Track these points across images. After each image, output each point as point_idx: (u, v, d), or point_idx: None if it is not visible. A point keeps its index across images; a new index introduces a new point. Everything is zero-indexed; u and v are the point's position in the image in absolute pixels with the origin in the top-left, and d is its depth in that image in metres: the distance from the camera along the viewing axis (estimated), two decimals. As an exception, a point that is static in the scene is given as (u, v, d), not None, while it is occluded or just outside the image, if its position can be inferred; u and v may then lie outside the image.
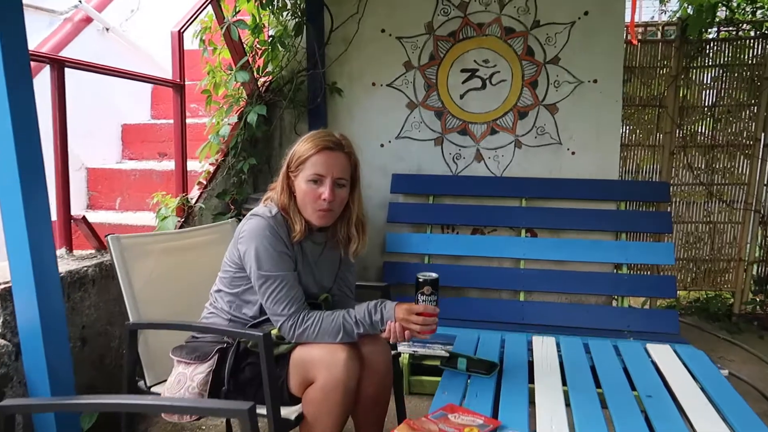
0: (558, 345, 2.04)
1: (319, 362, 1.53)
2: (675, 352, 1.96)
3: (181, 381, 1.60)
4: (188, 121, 3.71)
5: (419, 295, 1.55)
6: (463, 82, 3.34)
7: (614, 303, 3.40)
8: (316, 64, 3.29)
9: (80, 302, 2.05)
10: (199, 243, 2.06)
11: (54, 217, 1.97)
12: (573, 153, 3.28)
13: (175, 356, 1.66)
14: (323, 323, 1.57)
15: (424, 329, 1.54)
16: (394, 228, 3.41)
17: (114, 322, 2.16)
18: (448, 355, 1.86)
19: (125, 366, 1.77)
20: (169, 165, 3.29)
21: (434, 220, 3.34)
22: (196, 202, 2.79)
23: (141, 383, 1.80)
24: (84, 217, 2.17)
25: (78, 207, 3.47)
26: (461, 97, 3.35)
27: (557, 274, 3.18)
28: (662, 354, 1.93)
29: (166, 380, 1.71)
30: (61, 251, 2.18)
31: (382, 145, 3.46)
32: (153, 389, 1.78)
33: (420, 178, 3.40)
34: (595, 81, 3.21)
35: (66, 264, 2.09)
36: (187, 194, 2.73)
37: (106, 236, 1.81)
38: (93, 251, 2.24)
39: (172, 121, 3.73)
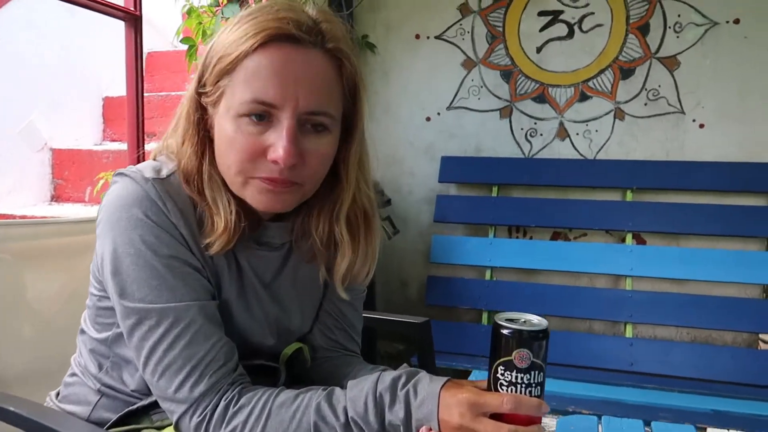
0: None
1: None
2: None
3: None
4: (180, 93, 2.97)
5: (502, 369, 0.65)
6: (542, 30, 2.41)
7: (761, 344, 2.38)
8: (340, 6, 2.45)
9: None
10: (84, 243, 1.19)
11: None
12: (701, 126, 2.29)
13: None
14: (271, 422, 0.69)
15: None
16: (443, 229, 2.51)
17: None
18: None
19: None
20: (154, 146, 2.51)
21: (499, 220, 2.42)
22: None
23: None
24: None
25: (39, 198, 2.74)
26: (539, 50, 2.43)
27: (677, 299, 2.21)
28: None
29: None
30: None
31: (428, 119, 2.57)
32: None
33: (480, 163, 2.49)
34: (737, 21, 2.22)
35: None
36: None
37: None
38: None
39: (168, 93, 3.01)
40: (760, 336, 2.38)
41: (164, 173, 0.75)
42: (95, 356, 0.84)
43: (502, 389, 0.64)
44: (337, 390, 0.71)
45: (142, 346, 0.71)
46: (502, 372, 0.64)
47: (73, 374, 0.89)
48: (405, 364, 0.75)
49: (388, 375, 0.70)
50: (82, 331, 0.87)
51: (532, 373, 0.64)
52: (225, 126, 0.72)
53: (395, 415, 0.66)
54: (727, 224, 2.20)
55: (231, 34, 0.72)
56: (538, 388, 0.64)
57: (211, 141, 0.76)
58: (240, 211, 0.75)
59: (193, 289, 0.72)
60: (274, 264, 0.82)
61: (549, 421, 1.58)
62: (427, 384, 0.67)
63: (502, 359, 0.64)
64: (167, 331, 0.70)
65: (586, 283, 2.40)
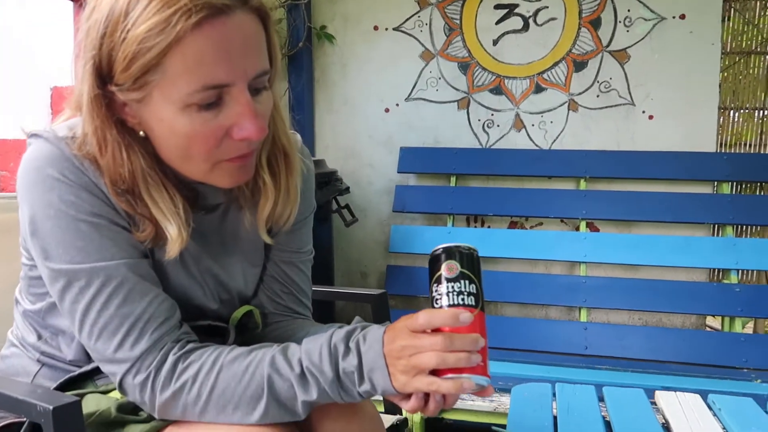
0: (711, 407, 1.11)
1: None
2: None
3: None
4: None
5: (435, 286, 0.66)
6: (498, 23, 2.46)
7: (708, 328, 2.47)
8: (297, -5, 2.43)
9: None
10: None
11: None
12: (651, 117, 2.37)
13: None
14: (223, 375, 0.67)
15: (452, 362, 0.62)
16: (402, 220, 2.52)
17: None
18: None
19: None
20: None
21: (457, 210, 2.44)
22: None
23: None
24: None
25: (-19, 190, 2.61)
26: (495, 42, 2.47)
27: (629, 284, 2.27)
28: None
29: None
30: None
31: (387, 110, 2.58)
32: None
33: (438, 153, 2.51)
34: (683, 17, 2.32)
35: None
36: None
37: None
38: None
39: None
40: (707, 319, 2.48)
41: (71, 132, 0.69)
42: (33, 326, 0.80)
43: (437, 305, 0.65)
44: (293, 345, 0.70)
45: (75, 309, 0.68)
46: (436, 288, 0.65)
47: (11, 346, 0.84)
48: (358, 317, 0.75)
49: (344, 329, 0.69)
50: (17, 302, 0.83)
51: (462, 281, 0.64)
52: (173, 120, 0.65)
53: (349, 362, 0.65)
54: (676, 211, 2.28)
55: (141, 23, 0.59)
56: (472, 297, 0.64)
57: (137, 140, 0.68)
58: (183, 201, 0.71)
59: (122, 248, 0.69)
60: (211, 225, 0.80)
61: (504, 399, 1.59)
62: (375, 330, 0.67)
63: (434, 277, 0.65)
64: (99, 291, 0.67)
65: (543, 270, 2.45)
